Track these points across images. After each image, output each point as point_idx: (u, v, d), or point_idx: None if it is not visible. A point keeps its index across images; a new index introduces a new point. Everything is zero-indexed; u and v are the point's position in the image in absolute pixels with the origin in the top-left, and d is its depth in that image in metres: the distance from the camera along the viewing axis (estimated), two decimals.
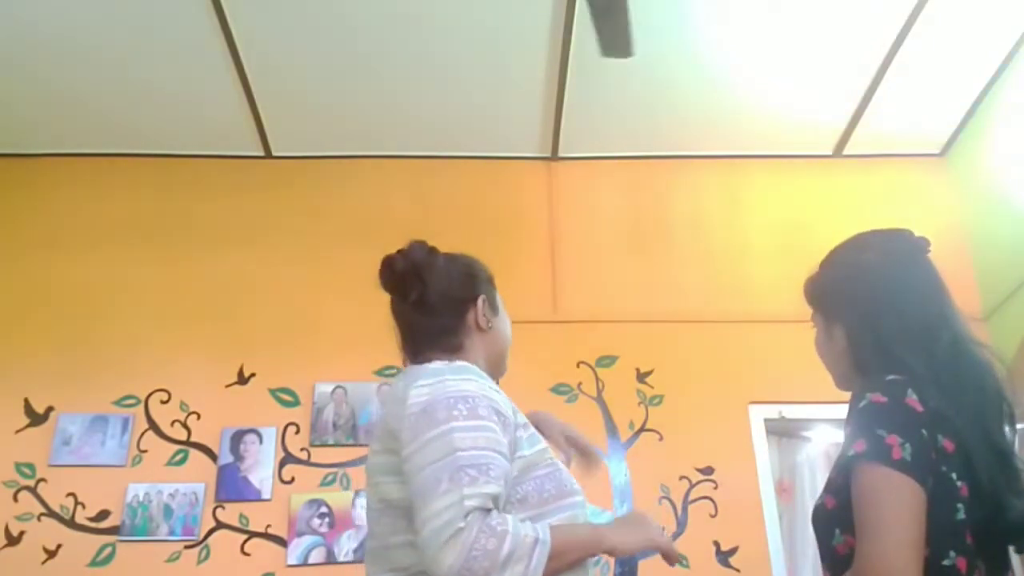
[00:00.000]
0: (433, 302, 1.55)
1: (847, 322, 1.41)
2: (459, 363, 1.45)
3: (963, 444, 1.22)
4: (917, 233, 1.46)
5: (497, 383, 1.49)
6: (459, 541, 1.18)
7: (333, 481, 3.38)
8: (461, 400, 1.33)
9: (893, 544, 1.12)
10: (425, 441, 1.30)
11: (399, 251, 1.61)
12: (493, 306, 1.62)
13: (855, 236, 1.52)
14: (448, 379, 1.37)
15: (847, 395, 1.53)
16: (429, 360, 1.47)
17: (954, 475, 1.21)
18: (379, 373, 3.46)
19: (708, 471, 3.46)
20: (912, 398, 1.23)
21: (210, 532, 3.29)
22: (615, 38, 2.87)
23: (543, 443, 1.46)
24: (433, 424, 1.30)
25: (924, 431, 1.20)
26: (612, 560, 3.27)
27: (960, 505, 1.20)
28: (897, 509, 1.14)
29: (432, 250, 1.63)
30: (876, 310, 1.37)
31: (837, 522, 1.27)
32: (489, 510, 1.24)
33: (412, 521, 1.28)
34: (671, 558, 1.40)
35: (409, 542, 1.31)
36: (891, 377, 1.27)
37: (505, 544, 1.20)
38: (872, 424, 1.21)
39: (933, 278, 1.41)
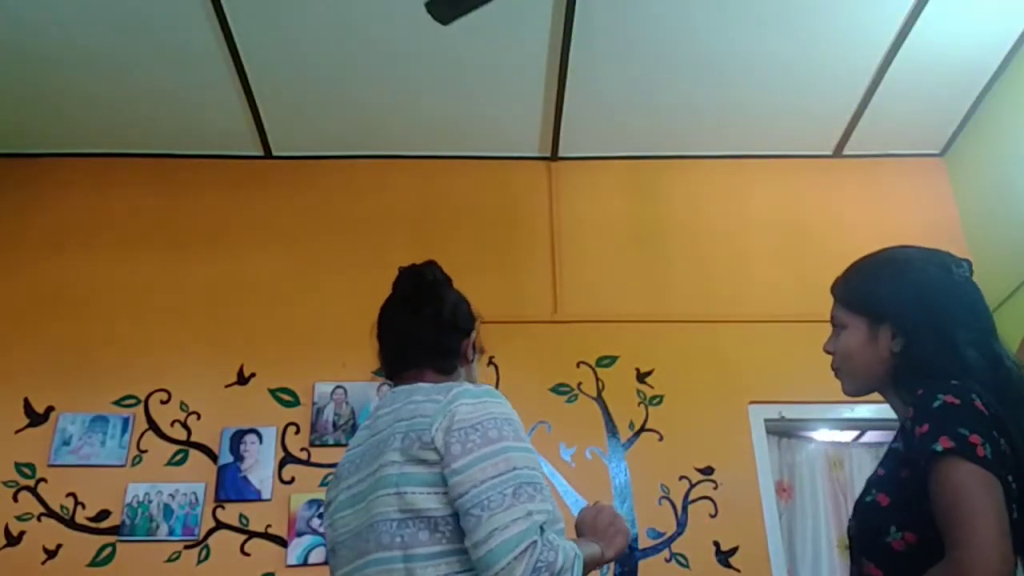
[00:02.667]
0: (445, 321, 1.64)
1: (910, 326, 1.42)
2: (486, 386, 1.53)
3: (1016, 449, 1.28)
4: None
5: None
6: (530, 554, 1.28)
7: None
8: (506, 422, 1.43)
9: (997, 533, 1.17)
10: (481, 456, 1.37)
11: (424, 264, 1.69)
12: (477, 344, 1.72)
13: (896, 247, 1.55)
14: (488, 401, 1.46)
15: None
16: (419, 376, 1.57)
17: (1010, 477, 1.26)
18: (379, 373, 3.45)
19: (708, 471, 3.46)
20: (978, 402, 1.28)
21: (210, 532, 3.29)
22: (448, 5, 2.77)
23: (542, 468, 1.56)
24: (487, 441, 1.39)
25: (994, 432, 1.26)
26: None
27: (1015, 505, 1.26)
28: (992, 502, 1.19)
29: (446, 275, 1.72)
30: (949, 317, 1.41)
31: (893, 519, 1.30)
32: (543, 527, 1.34)
33: (442, 531, 1.37)
34: None
35: (437, 553, 1.38)
36: (955, 382, 1.32)
37: (559, 557, 1.30)
38: (953, 423, 1.25)
39: (982, 296, 1.48)
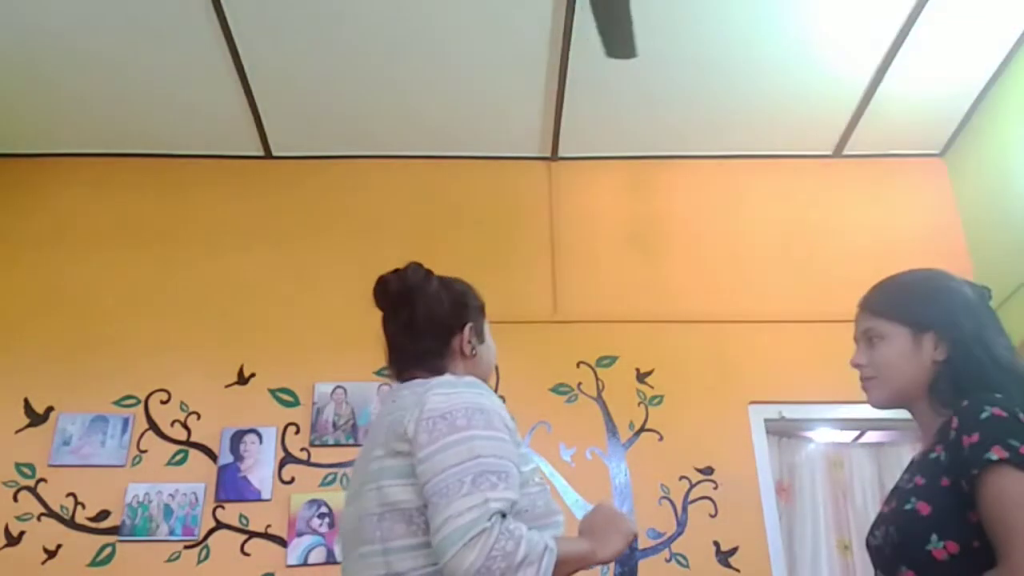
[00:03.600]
0: (421, 325, 1.62)
1: (957, 334, 1.46)
2: (469, 378, 1.52)
3: None
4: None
5: None
6: (481, 541, 1.25)
7: (333, 481, 3.38)
8: (478, 411, 1.41)
9: None
10: (445, 445, 1.36)
11: (395, 271, 1.67)
12: (480, 334, 1.69)
13: (921, 269, 1.59)
14: (463, 391, 1.44)
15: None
16: (413, 378, 1.56)
17: None
18: (379, 373, 3.46)
19: (708, 471, 3.46)
20: (1021, 415, 1.30)
21: (210, 532, 3.29)
22: (618, 40, 2.90)
23: (534, 463, 1.54)
24: (453, 430, 1.37)
25: None
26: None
27: None
28: None
29: (428, 273, 1.68)
30: (990, 330, 1.47)
31: (935, 527, 1.31)
32: (506, 515, 1.31)
33: (417, 523, 1.36)
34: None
35: (413, 545, 1.37)
36: (998, 395, 1.35)
37: (521, 548, 1.26)
38: (1004, 434, 1.28)
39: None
